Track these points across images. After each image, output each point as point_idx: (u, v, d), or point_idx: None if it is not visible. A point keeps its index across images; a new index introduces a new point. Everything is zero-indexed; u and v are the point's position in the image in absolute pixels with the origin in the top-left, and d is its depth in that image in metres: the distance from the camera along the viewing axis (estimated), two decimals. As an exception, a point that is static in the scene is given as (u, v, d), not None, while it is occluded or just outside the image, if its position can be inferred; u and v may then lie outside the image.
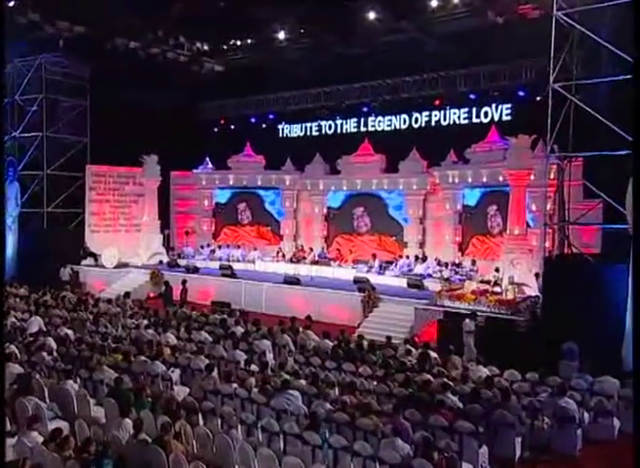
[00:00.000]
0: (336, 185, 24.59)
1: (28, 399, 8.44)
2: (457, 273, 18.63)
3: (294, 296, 18.82)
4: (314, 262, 21.43)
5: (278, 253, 23.23)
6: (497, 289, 15.72)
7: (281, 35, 22.65)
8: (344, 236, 24.58)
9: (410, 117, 23.31)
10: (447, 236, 21.90)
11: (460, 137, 21.26)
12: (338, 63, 22.13)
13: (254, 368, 10.98)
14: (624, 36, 10.75)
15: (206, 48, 24.36)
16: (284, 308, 17.98)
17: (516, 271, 16.06)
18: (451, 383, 9.47)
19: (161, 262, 23.14)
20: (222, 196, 26.54)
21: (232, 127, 26.76)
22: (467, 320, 12.83)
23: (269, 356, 12.08)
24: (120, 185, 25.76)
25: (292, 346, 12.63)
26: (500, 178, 19.22)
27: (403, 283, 18.75)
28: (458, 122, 22.31)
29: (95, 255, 23.46)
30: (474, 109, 21.73)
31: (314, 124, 25.71)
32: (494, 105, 21.21)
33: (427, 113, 22.87)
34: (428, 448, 7.07)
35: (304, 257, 22.35)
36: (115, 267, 22.79)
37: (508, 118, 20.94)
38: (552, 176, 18.12)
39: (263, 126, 26.32)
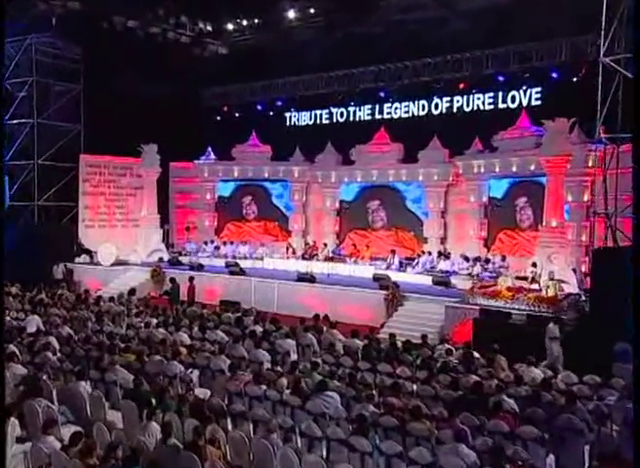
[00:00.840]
0: (349, 177, 24.29)
1: (37, 401, 8.00)
2: (486, 270, 18.24)
3: (308, 295, 18.45)
4: (328, 259, 21.05)
5: (288, 249, 22.90)
6: (534, 285, 15.33)
7: (290, 14, 22.38)
8: (358, 232, 24.30)
9: (429, 103, 23.00)
10: (471, 231, 21.60)
11: (486, 124, 20.98)
12: (351, 45, 21.75)
13: (278, 369, 10.60)
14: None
15: (209, 28, 24.04)
16: (298, 307, 17.62)
17: (554, 267, 15.67)
18: (502, 385, 9.07)
19: (161, 260, 22.72)
20: (226, 189, 26.20)
21: (237, 114, 26.46)
22: (551, 324, 12.33)
23: (293, 356, 11.68)
24: (116, 177, 25.37)
25: (316, 346, 12.26)
26: (532, 167, 19.01)
27: (426, 280, 18.53)
28: (482, 108, 22.02)
29: (90, 252, 23.04)
30: (500, 94, 21.43)
31: (325, 111, 25.40)
32: (522, 90, 20.88)
33: (449, 99, 22.56)
34: (498, 456, 6.64)
35: (317, 254, 21.95)
36: (112, 265, 22.35)
37: (538, 103, 20.60)
38: (590, 164, 17.85)
39: (270, 113, 26.01)
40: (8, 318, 13.66)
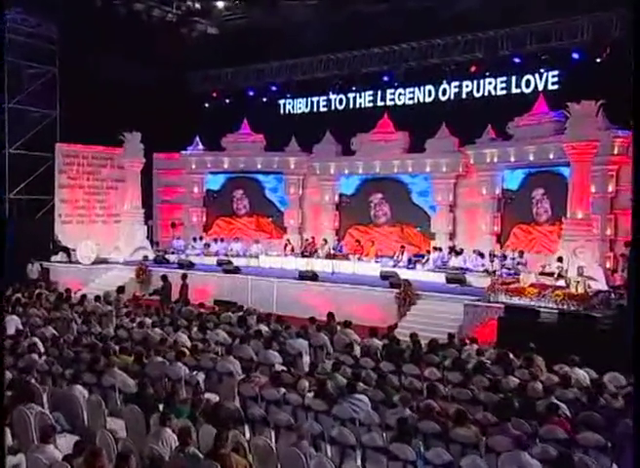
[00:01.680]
0: (350, 168, 23.97)
1: (29, 407, 7.44)
2: (503, 266, 17.93)
3: (311, 294, 18.10)
4: (330, 256, 20.63)
5: (286, 246, 22.50)
6: (560, 282, 15.00)
7: (287, -9, 21.84)
8: (359, 228, 24.03)
9: (437, 88, 22.68)
10: (483, 226, 21.33)
11: (498, 111, 20.69)
12: (353, 24, 21.36)
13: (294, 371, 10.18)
14: None
15: (197, 6, 23.38)
16: (300, 308, 17.22)
17: (580, 262, 15.36)
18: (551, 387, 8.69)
19: (146, 258, 22.19)
20: (215, 182, 25.84)
21: (227, 101, 25.96)
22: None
23: (306, 358, 11.28)
24: (96, 168, 24.80)
25: (330, 347, 11.89)
26: (551, 156, 18.78)
27: (438, 278, 18.30)
28: (494, 93, 21.72)
29: (67, 250, 22.48)
30: (514, 78, 21.13)
31: (323, 97, 25.03)
32: (537, 74, 20.57)
33: (457, 84, 22.25)
34: (565, 466, 6.21)
35: (316, 251, 21.57)
36: (92, 264, 21.84)
37: (555, 87, 20.31)
38: (615, 152, 17.62)
39: (264, 99, 25.57)
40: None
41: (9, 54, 22.46)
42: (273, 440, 7.57)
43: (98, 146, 24.59)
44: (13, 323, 12.61)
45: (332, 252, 20.97)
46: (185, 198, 25.83)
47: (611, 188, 18.06)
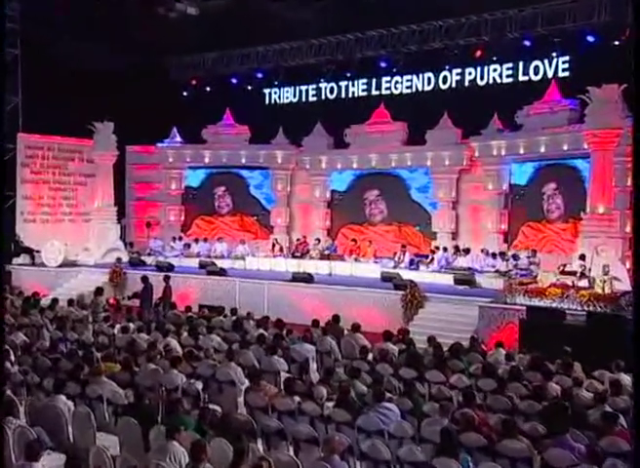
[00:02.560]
0: (343, 163, 23.63)
1: (7, 422, 6.78)
2: (515, 266, 17.66)
3: (306, 298, 17.71)
4: (324, 257, 20.19)
5: (274, 245, 22.07)
6: (583, 282, 14.66)
7: (275, -32, 21.45)
8: (353, 227, 23.73)
9: (436, 76, 22.42)
10: (489, 224, 21.03)
11: (505, 99, 20.54)
12: (347, 4, 21.12)
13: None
14: None
15: (176, -17, 22.93)
16: (294, 312, 16.81)
17: (603, 260, 15.05)
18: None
19: (119, 260, 21.52)
20: (195, 178, 25.43)
21: (208, 89, 25.54)
22: None
23: (313, 365, 10.86)
24: (63, 161, 24.13)
25: (338, 352, 11.49)
26: (565, 147, 18.57)
27: (443, 279, 18.06)
28: (499, 81, 21.53)
29: (31, 252, 21.81)
30: (521, 64, 20.92)
31: (312, 86, 24.73)
32: (546, 60, 20.39)
33: (459, 70, 22.00)
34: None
35: (308, 251, 21.19)
36: (59, 266, 21.19)
37: (566, 74, 20.11)
38: (635, 142, 17.37)
39: (249, 87, 25.19)
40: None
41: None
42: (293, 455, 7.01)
43: (65, 138, 23.93)
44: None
45: (326, 252, 20.49)
46: (162, 195, 25.28)
47: (630, 182, 17.79)
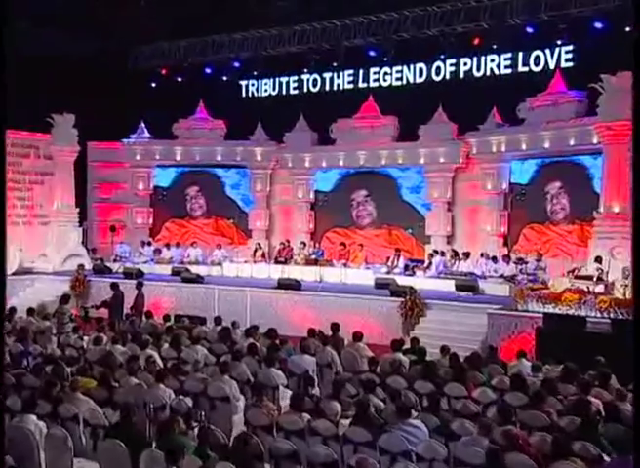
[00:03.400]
0: (327, 160, 23.35)
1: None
2: (521, 271, 17.39)
3: (293, 306, 17.54)
4: (310, 262, 19.76)
5: (256, 250, 21.70)
6: (599, 287, 14.32)
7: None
8: (339, 230, 23.51)
9: (429, 67, 22.13)
10: (487, 226, 20.82)
11: (505, 92, 20.24)
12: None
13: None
14: None
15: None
16: (280, 323, 16.10)
17: (620, 263, 14.75)
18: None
19: (82, 267, 20.78)
20: (165, 177, 25.08)
21: (179, 79, 24.81)
22: None
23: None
24: (16, 158, 23.00)
25: (339, 364, 11.06)
26: (571, 142, 18.35)
27: (443, 285, 17.90)
28: (497, 72, 21.24)
29: (-19, 258, 20.69)
30: (520, 55, 20.65)
31: (293, 78, 24.27)
32: (548, 50, 20.13)
33: (454, 61, 21.73)
34: None
35: (292, 257, 20.77)
36: (13, 274, 20.35)
37: (569, 65, 19.85)
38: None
39: (224, 78, 24.59)
40: None
41: None
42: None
43: (18, 131, 22.79)
44: None
45: (313, 257, 20.12)
46: (128, 196, 24.85)
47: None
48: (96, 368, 9.67)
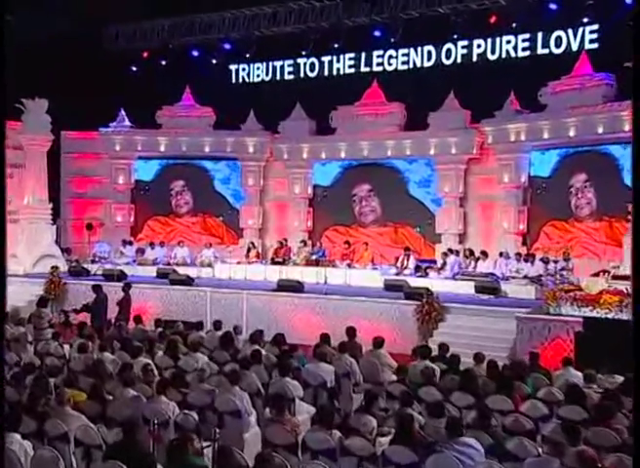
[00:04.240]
0: (327, 152, 23.26)
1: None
2: (547, 272, 17.19)
3: (294, 311, 17.07)
4: (311, 263, 19.49)
5: (249, 250, 21.41)
6: None
7: None
8: (340, 229, 23.44)
9: (438, 50, 21.94)
10: (504, 223, 20.63)
11: (523, 76, 20.11)
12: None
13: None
14: None
15: None
16: (281, 328, 15.62)
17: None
18: None
19: (56, 268, 20.19)
20: (147, 170, 24.90)
21: (162, 63, 24.64)
22: None
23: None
24: (-17, 149, 22.51)
25: (358, 373, 10.53)
26: (600, 130, 18.11)
27: (460, 287, 17.57)
28: (514, 55, 21.15)
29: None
30: (539, 35, 20.42)
31: (289, 61, 24.16)
32: (570, 29, 19.88)
33: (466, 43, 21.55)
34: None
35: (290, 257, 20.52)
36: (-20, 277, 19.52)
37: (594, 46, 19.61)
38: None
39: (213, 61, 24.48)
40: None
41: None
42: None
43: (-17, 118, 22.49)
44: None
45: (314, 257, 19.81)
46: (106, 191, 24.69)
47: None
48: (82, 378, 9.07)
